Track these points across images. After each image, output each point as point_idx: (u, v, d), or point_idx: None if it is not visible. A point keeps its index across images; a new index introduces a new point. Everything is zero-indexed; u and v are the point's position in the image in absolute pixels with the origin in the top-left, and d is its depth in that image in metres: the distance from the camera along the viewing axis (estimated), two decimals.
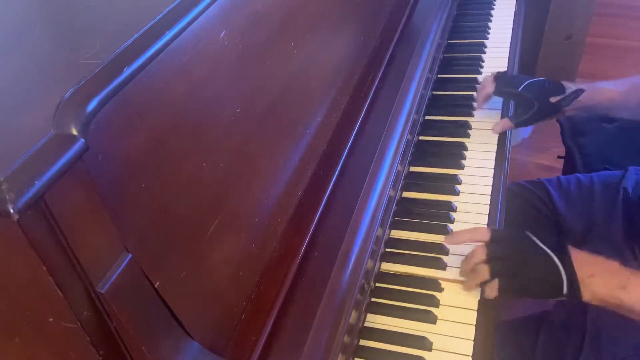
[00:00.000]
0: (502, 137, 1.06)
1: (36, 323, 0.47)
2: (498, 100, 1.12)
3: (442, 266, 0.84)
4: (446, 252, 0.86)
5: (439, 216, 0.92)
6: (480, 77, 1.21)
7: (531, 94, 1.02)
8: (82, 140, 0.40)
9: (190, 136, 0.57)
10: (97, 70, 0.45)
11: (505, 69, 1.23)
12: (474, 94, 1.16)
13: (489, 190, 0.96)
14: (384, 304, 0.80)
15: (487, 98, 1.09)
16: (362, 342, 0.76)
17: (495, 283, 0.76)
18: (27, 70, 0.52)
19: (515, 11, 1.42)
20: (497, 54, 1.28)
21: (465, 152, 1.04)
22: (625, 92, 0.99)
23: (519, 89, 1.03)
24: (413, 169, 1.02)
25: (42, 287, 0.42)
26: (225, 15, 0.63)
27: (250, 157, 0.66)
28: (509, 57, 1.27)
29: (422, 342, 0.75)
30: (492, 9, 1.45)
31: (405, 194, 0.97)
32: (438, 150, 1.06)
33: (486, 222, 0.91)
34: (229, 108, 0.63)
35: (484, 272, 0.77)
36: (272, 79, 0.72)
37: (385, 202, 0.80)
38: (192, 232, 0.56)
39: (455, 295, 0.80)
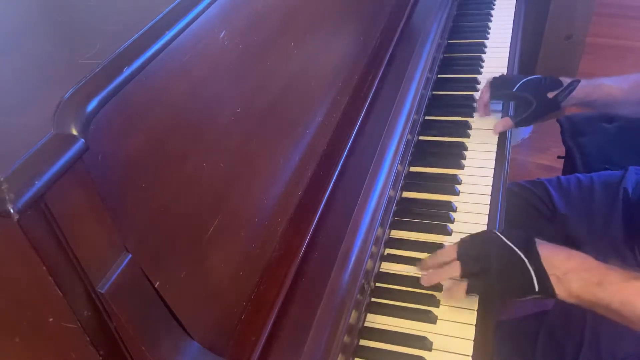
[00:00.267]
0: (502, 137, 1.06)
1: (36, 323, 0.47)
2: (498, 102, 1.12)
3: None
4: None
5: (439, 216, 0.92)
6: (480, 77, 1.21)
7: (528, 92, 1.02)
8: (82, 140, 0.40)
9: (190, 136, 0.57)
10: (97, 70, 0.45)
11: (505, 68, 1.23)
12: (474, 94, 1.16)
13: (489, 190, 0.96)
14: (384, 304, 0.80)
15: (487, 106, 1.09)
16: (362, 342, 0.76)
17: (464, 284, 0.75)
18: (27, 70, 0.52)
19: (515, 11, 1.42)
20: (497, 54, 1.28)
21: (465, 152, 1.04)
22: (626, 89, 0.99)
23: (515, 89, 1.03)
24: (413, 169, 1.02)
25: (42, 287, 0.42)
26: (225, 15, 0.63)
27: (250, 157, 0.66)
28: (509, 57, 1.27)
29: (422, 342, 0.75)
30: (492, 9, 1.45)
31: (405, 194, 0.97)
32: (438, 150, 1.06)
33: (486, 222, 0.91)
34: (229, 108, 0.63)
35: (454, 270, 0.76)
36: (272, 79, 0.72)
37: (385, 202, 0.80)
38: (192, 232, 0.56)
39: None
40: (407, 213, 0.93)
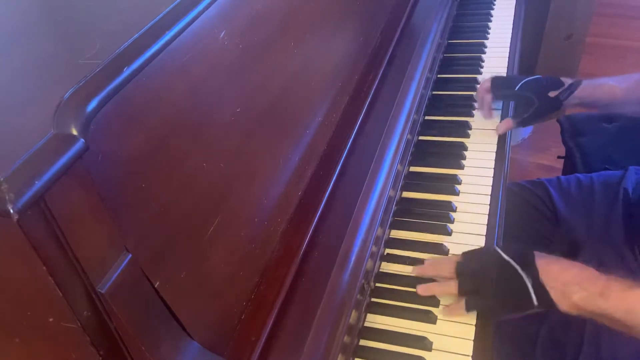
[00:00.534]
0: (502, 137, 1.06)
1: (36, 323, 0.47)
2: (498, 102, 1.12)
3: None
4: (446, 252, 0.86)
5: (439, 216, 0.92)
6: (480, 77, 1.21)
7: (529, 92, 1.02)
8: (82, 140, 0.40)
9: (190, 136, 0.57)
10: (97, 70, 0.45)
11: (505, 68, 1.23)
12: (474, 94, 1.16)
13: (489, 190, 0.96)
14: (384, 304, 0.80)
15: (488, 108, 1.09)
16: (362, 342, 0.76)
17: (461, 302, 0.75)
18: (27, 70, 0.52)
19: (515, 11, 1.42)
20: (497, 54, 1.28)
21: (465, 152, 1.04)
22: (627, 89, 0.99)
23: (516, 89, 1.03)
24: (413, 169, 1.02)
25: (42, 287, 0.42)
26: (225, 15, 0.63)
27: (250, 157, 0.66)
28: (509, 57, 1.27)
29: (422, 342, 0.74)
30: (492, 9, 1.45)
31: (405, 194, 0.97)
32: (438, 150, 1.06)
33: (486, 222, 0.90)
34: (229, 108, 0.63)
35: (452, 288, 0.76)
36: (272, 79, 0.72)
37: (385, 202, 0.80)
38: (192, 232, 0.56)
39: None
40: (407, 213, 0.93)
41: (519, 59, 1.31)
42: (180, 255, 0.54)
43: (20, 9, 0.64)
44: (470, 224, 0.90)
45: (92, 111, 0.43)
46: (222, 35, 0.62)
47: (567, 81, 1.01)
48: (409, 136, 0.94)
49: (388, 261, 0.86)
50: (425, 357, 0.73)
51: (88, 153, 0.41)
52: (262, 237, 0.66)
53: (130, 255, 0.46)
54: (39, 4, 0.66)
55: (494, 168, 1.00)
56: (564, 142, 1.40)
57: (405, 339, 0.75)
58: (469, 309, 0.75)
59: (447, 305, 0.78)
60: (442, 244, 0.87)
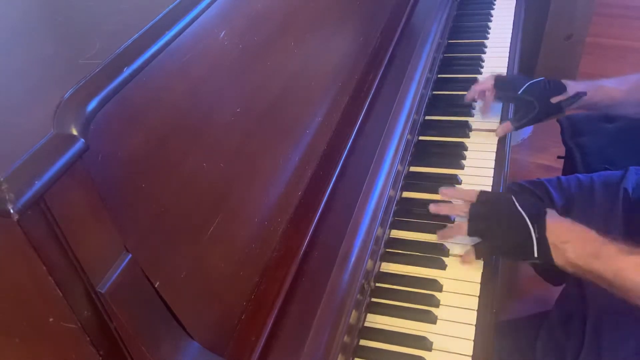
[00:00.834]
0: (502, 137, 1.06)
1: (36, 323, 0.47)
2: (498, 102, 1.12)
3: (442, 266, 0.84)
4: (446, 252, 0.86)
5: (439, 216, 0.92)
6: (480, 77, 1.21)
7: (531, 96, 1.02)
8: (82, 140, 0.40)
9: (190, 136, 0.57)
10: (97, 70, 0.45)
11: (505, 69, 1.23)
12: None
13: (489, 190, 0.96)
14: (384, 304, 0.80)
15: (488, 106, 1.09)
16: (362, 342, 0.76)
17: (471, 251, 0.82)
18: (27, 70, 0.52)
19: (515, 11, 1.42)
20: (497, 54, 1.28)
21: (465, 152, 1.04)
22: (627, 90, 0.99)
23: (519, 92, 1.03)
24: (413, 169, 1.02)
25: (42, 287, 0.42)
26: (225, 15, 0.63)
27: (250, 157, 0.66)
28: (509, 57, 1.27)
29: (422, 342, 0.75)
30: (492, 9, 1.45)
31: (405, 194, 0.97)
32: (438, 150, 1.06)
33: None
34: (228, 108, 0.63)
35: (462, 228, 0.82)
36: (272, 79, 0.72)
37: (385, 202, 0.80)
38: (192, 232, 0.56)
39: (455, 296, 0.80)
40: (407, 213, 0.93)
41: (519, 59, 1.31)
42: (180, 255, 0.54)
43: (20, 9, 0.64)
44: None
45: (92, 111, 0.43)
46: (222, 35, 0.62)
47: (570, 84, 1.00)
48: (409, 136, 0.94)
49: (388, 261, 0.86)
50: (425, 357, 0.73)
51: (88, 153, 0.41)
52: (262, 237, 0.66)
53: (130, 255, 0.46)
54: (39, 4, 0.66)
55: (494, 168, 1.00)
56: (564, 142, 1.40)
57: (405, 339, 0.75)
58: (478, 256, 0.82)
59: (458, 256, 0.84)
60: (442, 244, 0.87)
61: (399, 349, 0.75)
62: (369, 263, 0.74)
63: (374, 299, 0.81)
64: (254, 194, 0.66)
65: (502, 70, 1.22)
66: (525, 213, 0.78)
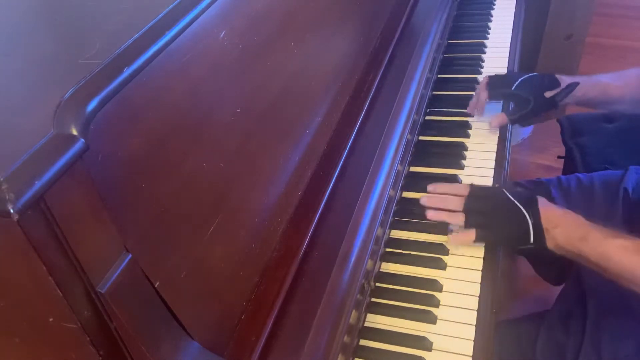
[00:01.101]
0: (502, 137, 1.06)
1: (36, 323, 0.47)
2: (498, 101, 1.12)
3: (442, 266, 0.84)
4: (446, 252, 0.86)
5: None
6: (480, 77, 1.21)
7: (525, 91, 1.02)
8: (82, 140, 0.40)
9: (190, 136, 0.57)
10: (97, 70, 0.45)
11: (505, 69, 1.23)
12: (474, 94, 1.16)
13: None
14: (384, 304, 0.80)
15: (482, 106, 1.09)
16: (362, 342, 0.76)
17: (471, 232, 0.84)
18: (27, 70, 0.52)
19: (515, 11, 1.42)
20: (497, 54, 1.28)
21: (465, 152, 1.03)
22: (622, 86, 0.99)
23: (513, 88, 1.03)
24: (413, 169, 1.02)
25: (42, 287, 0.42)
26: (225, 15, 0.63)
27: (250, 157, 0.66)
28: (509, 57, 1.26)
29: (422, 342, 0.74)
30: (492, 9, 1.45)
31: (405, 194, 0.97)
32: (438, 150, 1.05)
33: None
34: (228, 108, 0.63)
35: (460, 220, 0.85)
36: (272, 79, 0.72)
37: (385, 202, 0.80)
38: (192, 232, 0.56)
39: (455, 296, 0.80)
40: (407, 213, 0.93)
41: (519, 59, 1.31)
42: (180, 255, 0.54)
43: (20, 9, 0.64)
44: None
45: (92, 111, 0.43)
46: (222, 35, 0.62)
47: (563, 79, 1.01)
48: (409, 136, 0.94)
49: (388, 261, 0.86)
50: (425, 357, 0.73)
51: (88, 153, 0.41)
52: (262, 237, 0.66)
53: (130, 255, 0.46)
54: (39, 4, 0.66)
55: (494, 168, 1.00)
56: (564, 142, 1.40)
57: (405, 339, 0.75)
58: (477, 239, 0.84)
59: (456, 233, 0.86)
60: (442, 244, 0.87)
61: (398, 349, 0.75)
62: (369, 263, 0.74)
63: (374, 299, 0.81)
64: (254, 194, 0.66)
65: (503, 70, 1.22)
66: (518, 201, 0.82)
